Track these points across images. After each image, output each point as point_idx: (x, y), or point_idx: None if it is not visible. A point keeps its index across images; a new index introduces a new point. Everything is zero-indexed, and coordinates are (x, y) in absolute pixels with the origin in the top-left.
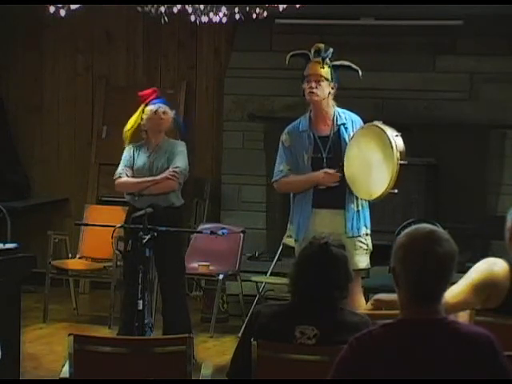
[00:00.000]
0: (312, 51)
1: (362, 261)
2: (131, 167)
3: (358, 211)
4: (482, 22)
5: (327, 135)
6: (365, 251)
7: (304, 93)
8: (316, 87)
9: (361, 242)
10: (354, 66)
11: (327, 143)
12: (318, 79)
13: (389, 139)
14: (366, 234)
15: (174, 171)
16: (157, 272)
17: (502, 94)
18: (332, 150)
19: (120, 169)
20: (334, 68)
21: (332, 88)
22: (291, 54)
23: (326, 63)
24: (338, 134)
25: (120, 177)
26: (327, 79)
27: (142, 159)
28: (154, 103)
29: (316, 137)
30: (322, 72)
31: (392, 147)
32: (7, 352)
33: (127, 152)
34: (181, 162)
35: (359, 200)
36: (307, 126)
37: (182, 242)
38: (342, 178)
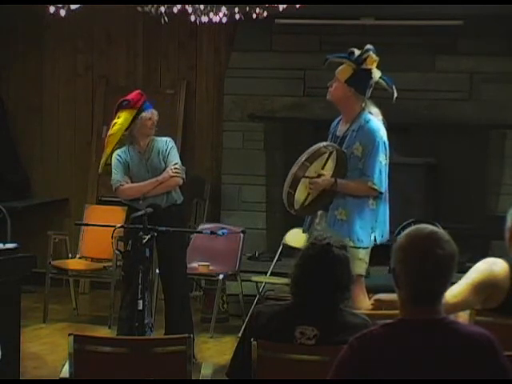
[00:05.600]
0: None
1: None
2: (127, 174)
3: (342, 220)
4: (481, 22)
5: (339, 136)
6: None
7: None
8: (331, 86)
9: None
10: (373, 70)
11: (337, 144)
12: (334, 79)
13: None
14: (350, 247)
15: (175, 168)
16: (160, 272)
17: (502, 94)
18: None
19: (118, 176)
20: (360, 71)
21: (350, 91)
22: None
23: (348, 64)
24: (344, 138)
25: (122, 184)
26: (341, 80)
27: (136, 163)
28: (147, 109)
29: (335, 135)
30: (337, 72)
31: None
32: (7, 352)
33: (118, 159)
34: (176, 157)
35: (347, 210)
36: (337, 122)
37: (185, 242)
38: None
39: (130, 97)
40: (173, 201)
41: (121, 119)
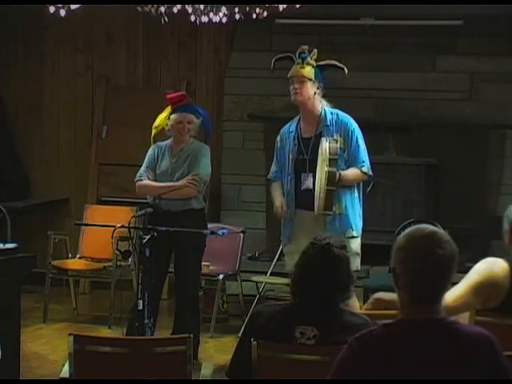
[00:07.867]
0: (297, 53)
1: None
2: (154, 169)
3: (341, 214)
4: (481, 22)
5: (310, 137)
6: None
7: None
8: (300, 88)
9: None
10: (339, 65)
11: (310, 145)
12: (301, 80)
13: None
14: (352, 237)
15: (193, 178)
16: (174, 272)
17: (502, 94)
18: (313, 151)
19: (142, 170)
20: (319, 68)
21: (318, 88)
22: (276, 57)
23: (309, 63)
24: (319, 136)
25: (141, 179)
26: (310, 79)
27: (165, 163)
28: (181, 111)
29: (300, 138)
30: (304, 72)
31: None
32: (7, 352)
33: (151, 153)
34: (202, 168)
35: (342, 203)
36: (295, 127)
37: (201, 245)
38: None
39: (171, 95)
40: (190, 206)
41: (163, 114)
